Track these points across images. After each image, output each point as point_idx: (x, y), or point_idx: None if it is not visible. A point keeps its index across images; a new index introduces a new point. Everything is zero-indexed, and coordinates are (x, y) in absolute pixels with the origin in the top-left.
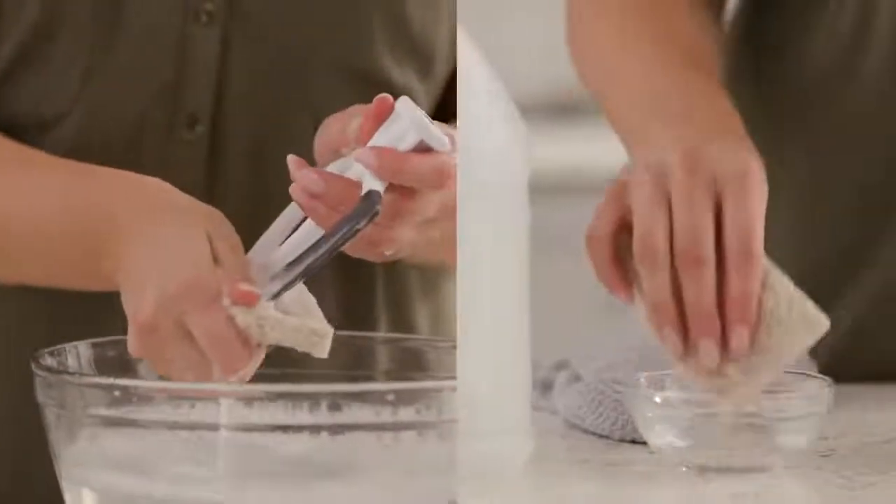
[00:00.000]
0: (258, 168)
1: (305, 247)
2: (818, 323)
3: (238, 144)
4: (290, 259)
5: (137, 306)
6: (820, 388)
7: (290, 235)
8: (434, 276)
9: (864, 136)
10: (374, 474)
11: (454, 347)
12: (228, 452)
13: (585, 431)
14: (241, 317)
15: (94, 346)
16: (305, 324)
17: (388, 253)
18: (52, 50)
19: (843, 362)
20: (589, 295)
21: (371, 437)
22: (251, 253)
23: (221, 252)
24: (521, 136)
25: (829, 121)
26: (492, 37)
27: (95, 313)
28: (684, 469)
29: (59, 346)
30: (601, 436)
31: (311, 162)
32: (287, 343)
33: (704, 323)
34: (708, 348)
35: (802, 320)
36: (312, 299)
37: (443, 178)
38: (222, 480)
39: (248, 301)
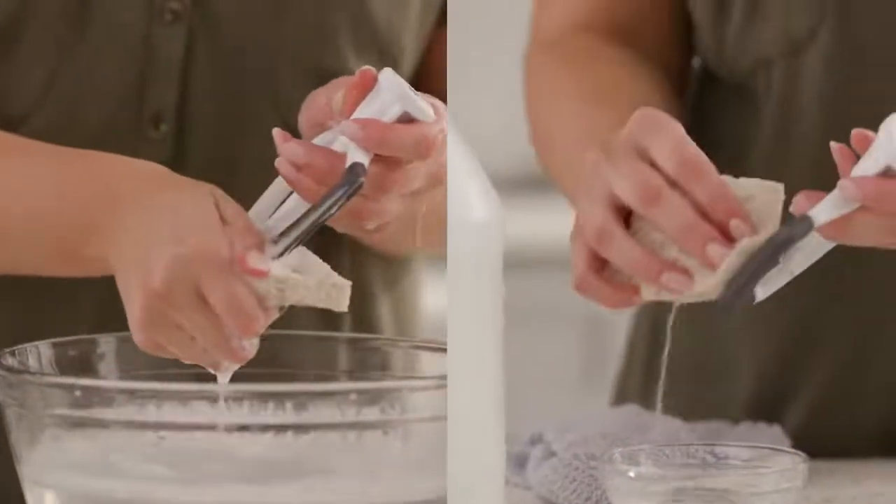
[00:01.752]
0: (224, 167)
1: (292, 220)
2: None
3: (203, 143)
4: (277, 233)
5: (147, 273)
6: (794, 464)
7: (276, 210)
8: (397, 267)
9: None
10: (338, 474)
11: (416, 347)
12: (193, 452)
13: None
14: (259, 282)
15: (55, 345)
16: (324, 280)
17: (371, 227)
18: (16, 49)
19: (816, 437)
20: (562, 368)
21: (335, 436)
22: None
23: (229, 215)
24: (497, 211)
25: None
26: (465, 111)
27: (56, 313)
28: None
29: (20, 346)
30: None
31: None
32: (308, 302)
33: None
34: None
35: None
36: (315, 257)
37: (427, 147)
38: (186, 481)
39: (259, 275)
